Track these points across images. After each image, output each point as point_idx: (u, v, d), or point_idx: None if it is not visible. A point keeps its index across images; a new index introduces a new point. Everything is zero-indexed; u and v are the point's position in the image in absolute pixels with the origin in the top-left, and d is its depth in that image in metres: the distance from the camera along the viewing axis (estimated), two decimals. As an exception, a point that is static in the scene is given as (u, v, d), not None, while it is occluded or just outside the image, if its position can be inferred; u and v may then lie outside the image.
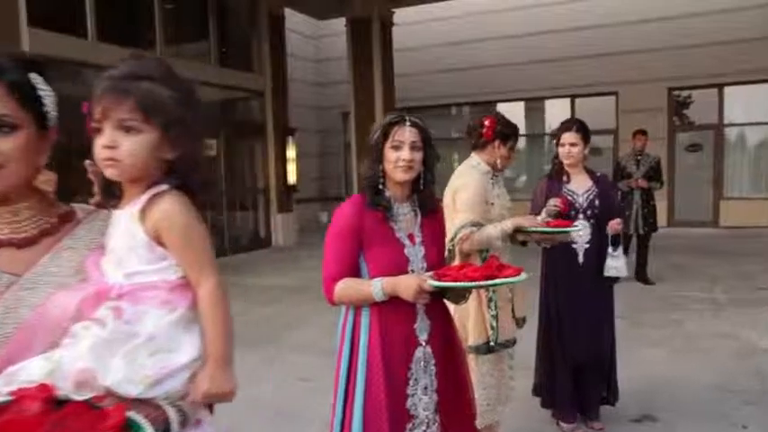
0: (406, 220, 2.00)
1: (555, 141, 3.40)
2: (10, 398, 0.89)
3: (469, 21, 13.73)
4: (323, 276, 1.94)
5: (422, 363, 1.95)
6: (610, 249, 3.17)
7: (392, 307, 1.89)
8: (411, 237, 1.98)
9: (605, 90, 12.84)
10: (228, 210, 10.88)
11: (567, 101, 13.34)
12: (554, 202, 3.08)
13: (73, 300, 1.02)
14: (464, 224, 2.57)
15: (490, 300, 2.58)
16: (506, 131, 2.78)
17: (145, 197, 1.08)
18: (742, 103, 12.36)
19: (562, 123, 3.37)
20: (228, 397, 1.07)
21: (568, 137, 3.24)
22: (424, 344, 1.96)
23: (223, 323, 1.08)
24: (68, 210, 1.17)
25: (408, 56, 13.21)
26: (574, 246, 3.20)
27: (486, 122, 2.75)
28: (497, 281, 1.79)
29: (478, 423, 2.22)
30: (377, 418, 1.87)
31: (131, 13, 9.66)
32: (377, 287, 1.86)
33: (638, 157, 7.13)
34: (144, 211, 1.07)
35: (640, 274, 7.10)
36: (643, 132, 7.24)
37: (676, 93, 12.78)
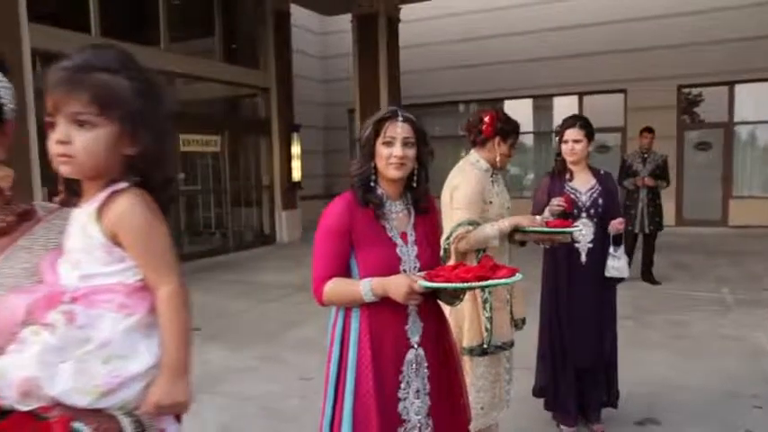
0: (398, 218, 1.93)
1: (558, 138, 3.33)
2: None
3: (477, 17, 13.65)
4: (312, 276, 1.88)
5: (413, 365, 1.89)
6: (611, 249, 3.10)
7: (383, 308, 1.82)
8: (404, 236, 1.91)
9: (614, 87, 12.70)
10: (233, 206, 10.89)
11: (575, 98, 13.18)
12: (557, 201, 3.00)
13: (23, 302, 0.96)
14: (460, 222, 2.50)
15: (485, 301, 2.51)
16: (507, 128, 2.67)
17: (103, 195, 1.02)
18: (752, 101, 12.18)
19: (565, 120, 3.27)
20: (181, 409, 1.01)
21: (571, 133, 3.16)
22: (416, 346, 1.89)
23: (179, 330, 1.02)
24: (27, 208, 1.11)
25: (415, 52, 13.14)
26: (577, 245, 3.13)
27: (486, 119, 2.64)
28: (490, 282, 1.72)
29: (472, 427, 2.16)
30: (366, 421, 1.81)
31: (136, 8, 9.64)
32: (366, 288, 1.79)
33: (645, 155, 7.03)
34: (101, 210, 1.01)
35: (646, 273, 7.02)
36: (650, 130, 7.13)
37: (686, 90, 12.62)
